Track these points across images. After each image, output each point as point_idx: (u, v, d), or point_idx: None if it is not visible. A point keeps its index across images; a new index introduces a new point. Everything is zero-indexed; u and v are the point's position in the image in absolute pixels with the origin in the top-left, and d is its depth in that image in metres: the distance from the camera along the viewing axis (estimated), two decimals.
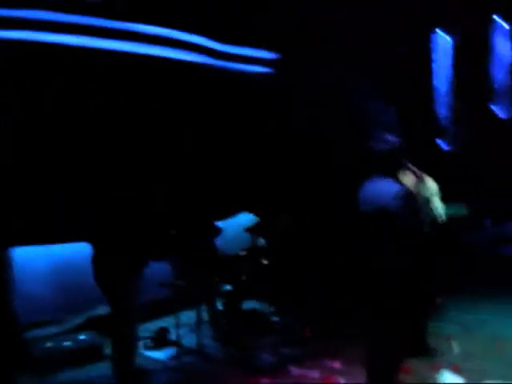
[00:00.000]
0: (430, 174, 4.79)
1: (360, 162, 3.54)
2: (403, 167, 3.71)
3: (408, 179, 3.85)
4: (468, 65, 9.23)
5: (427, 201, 4.59)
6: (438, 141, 9.67)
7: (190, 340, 5.17)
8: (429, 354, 4.73)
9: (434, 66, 9.63)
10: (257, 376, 4.46)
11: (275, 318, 5.61)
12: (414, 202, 3.45)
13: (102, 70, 5.52)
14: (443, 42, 9.46)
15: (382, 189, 3.35)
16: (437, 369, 4.41)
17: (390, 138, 3.45)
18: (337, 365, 4.58)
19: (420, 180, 4.25)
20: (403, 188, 3.37)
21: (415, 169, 4.11)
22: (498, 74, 9.03)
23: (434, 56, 9.57)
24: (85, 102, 5.43)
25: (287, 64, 7.48)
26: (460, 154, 9.30)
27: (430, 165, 8.76)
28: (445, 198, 5.45)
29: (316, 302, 5.76)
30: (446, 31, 9.36)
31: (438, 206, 4.74)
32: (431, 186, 4.75)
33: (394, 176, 3.43)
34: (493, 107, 9.21)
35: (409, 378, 4.09)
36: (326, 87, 6.93)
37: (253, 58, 7.48)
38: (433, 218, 4.64)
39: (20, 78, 5.02)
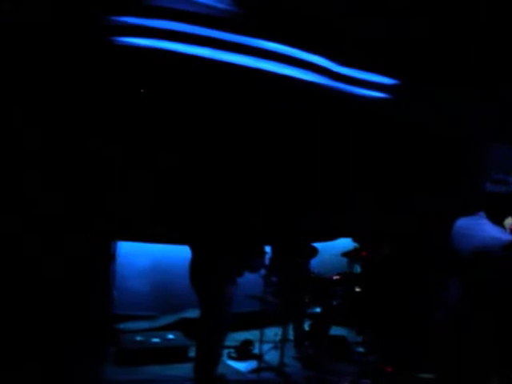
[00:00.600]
0: None
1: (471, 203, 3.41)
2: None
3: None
4: None
5: None
6: None
7: (272, 356, 5.17)
8: None
9: None
10: None
11: (360, 349, 5.48)
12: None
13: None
14: None
15: (489, 232, 3.17)
16: None
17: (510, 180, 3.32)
18: None
19: None
20: (506, 234, 3.17)
21: None
22: None
23: None
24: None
25: (405, 91, 7.31)
26: None
27: None
28: None
29: (402, 338, 5.55)
30: None
31: None
32: None
33: (499, 222, 3.25)
34: None
35: None
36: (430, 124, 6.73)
37: (371, 83, 7.40)
38: None
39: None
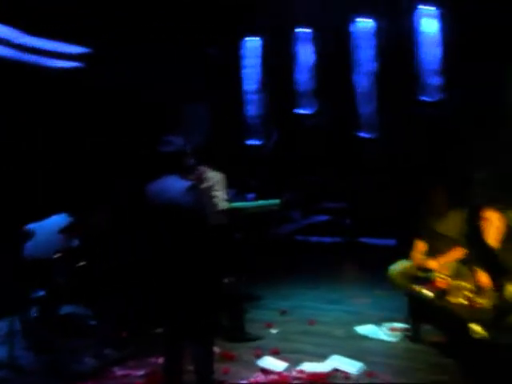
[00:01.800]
0: (241, 171, 5.07)
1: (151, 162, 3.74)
2: (190, 167, 3.86)
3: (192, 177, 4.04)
4: (275, 70, 9.82)
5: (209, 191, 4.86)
6: (250, 141, 10.12)
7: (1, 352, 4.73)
8: (250, 340, 4.93)
9: (245, 69, 10.08)
10: (79, 381, 4.24)
11: (92, 322, 5.37)
12: (197, 194, 3.68)
13: None
14: (253, 46, 9.93)
15: (168, 185, 3.63)
16: (258, 353, 4.59)
17: (176, 140, 3.72)
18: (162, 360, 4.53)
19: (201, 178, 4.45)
20: (187, 183, 3.63)
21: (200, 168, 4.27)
22: (302, 78, 9.73)
23: (244, 60, 10.01)
24: None
25: (96, 60, 7.23)
26: (271, 152, 9.84)
27: (241, 162, 9.19)
28: (262, 194, 5.71)
29: (133, 303, 5.63)
30: (256, 36, 9.86)
31: (220, 196, 4.98)
32: (214, 176, 4.99)
33: (180, 174, 3.70)
34: (298, 110, 9.89)
35: (233, 364, 4.20)
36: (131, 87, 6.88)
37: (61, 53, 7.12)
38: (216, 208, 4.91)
39: None
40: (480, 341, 3.90)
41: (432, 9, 8.70)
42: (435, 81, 8.80)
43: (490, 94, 7.61)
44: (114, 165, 6.81)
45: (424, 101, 8.85)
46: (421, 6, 8.70)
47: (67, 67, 7.16)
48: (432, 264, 4.77)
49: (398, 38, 8.71)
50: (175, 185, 3.62)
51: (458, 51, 8.28)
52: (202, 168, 4.41)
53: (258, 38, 9.83)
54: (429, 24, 8.66)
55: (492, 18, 7.48)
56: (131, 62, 7.04)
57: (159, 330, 5.26)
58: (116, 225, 5.80)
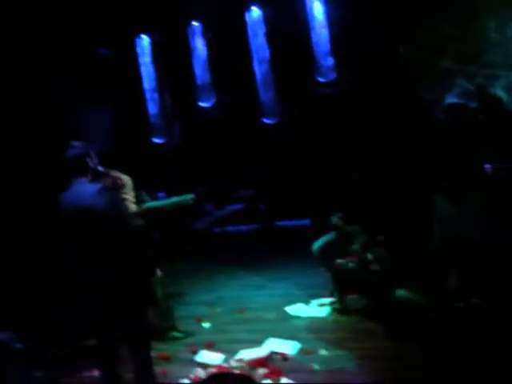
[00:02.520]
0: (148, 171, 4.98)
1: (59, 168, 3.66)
2: (97, 170, 3.79)
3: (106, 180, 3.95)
4: (171, 66, 9.73)
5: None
6: (155, 139, 9.99)
7: None
8: (183, 338, 4.90)
9: (142, 68, 9.91)
10: None
11: (18, 345, 5.12)
12: (109, 196, 3.67)
13: None
14: (147, 43, 9.79)
15: (79, 191, 3.59)
16: (194, 349, 4.58)
17: (76, 144, 3.70)
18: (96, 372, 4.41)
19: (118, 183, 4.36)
20: (98, 186, 3.62)
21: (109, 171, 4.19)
22: (199, 71, 9.70)
23: (141, 58, 9.84)
24: None
25: None
26: (176, 148, 9.76)
27: (148, 161, 9.06)
28: (175, 190, 5.67)
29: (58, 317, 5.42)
30: (148, 34, 9.70)
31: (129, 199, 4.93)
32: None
33: (89, 178, 3.68)
34: (199, 103, 9.86)
35: (171, 363, 4.17)
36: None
37: None
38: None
39: None
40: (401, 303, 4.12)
41: None
42: (328, 62, 9.07)
43: (378, 73, 8.00)
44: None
45: (319, 82, 9.10)
46: None
47: None
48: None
49: (289, 23, 8.87)
50: (85, 190, 3.57)
51: (344, 32, 8.59)
52: (115, 172, 4.29)
53: (148, 35, 9.68)
54: (317, 7, 8.90)
55: None
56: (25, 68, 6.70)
57: (90, 342, 5.15)
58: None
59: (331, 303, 5.20)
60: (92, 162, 3.72)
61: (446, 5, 7.65)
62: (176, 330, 5.00)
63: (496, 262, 3.73)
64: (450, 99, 8.04)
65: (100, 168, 3.86)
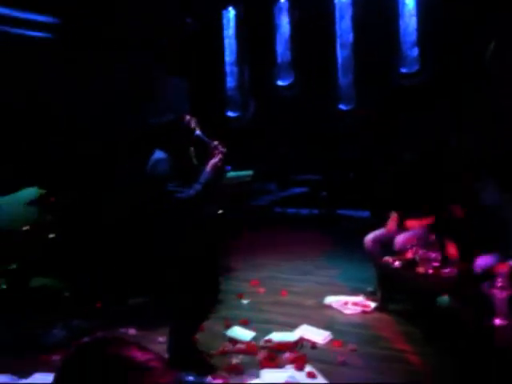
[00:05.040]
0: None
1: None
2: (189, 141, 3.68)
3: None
4: (253, 41, 9.70)
5: None
6: (228, 112, 10.05)
7: None
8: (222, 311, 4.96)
9: (225, 40, 9.95)
10: (48, 353, 4.24)
11: (66, 293, 5.37)
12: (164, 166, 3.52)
13: None
14: (232, 16, 9.81)
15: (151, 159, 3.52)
16: (228, 324, 4.62)
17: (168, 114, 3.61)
18: (132, 331, 4.56)
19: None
20: (161, 155, 3.51)
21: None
22: (281, 49, 9.63)
23: (225, 31, 9.88)
24: None
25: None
26: (249, 124, 9.78)
27: (222, 134, 9.14)
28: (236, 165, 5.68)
29: (106, 275, 5.63)
30: (235, 7, 9.71)
31: None
32: None
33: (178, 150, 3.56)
34: (277, 81, 9.82)
35: (203, 335, 4.24)
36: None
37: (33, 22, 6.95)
38: None
39: None
40: (445, 310, 3.96)
41: None
42: (413, 52, 8.75)
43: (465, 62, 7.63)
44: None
45: (401, 72, 8.81)
46: None
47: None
48: (402, 233, 4.83)
49: (378, 8, 8.61)
50: (152, 158, 3.54)
51: (434, 23, 8.24)
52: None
53: (235, 9, 9.69)
54: None
55: None
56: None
57: (132, 301, 5.34)
58: (84, 202, 5.77)
59: (373, 299, 5.07)
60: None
61: None
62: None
63: None
64: None
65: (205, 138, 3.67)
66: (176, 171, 3.46)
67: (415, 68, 8.69)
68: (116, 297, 5.40)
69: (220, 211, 5.03)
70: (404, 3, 8.62)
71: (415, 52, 8.62)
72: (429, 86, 8.36)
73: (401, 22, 8.67)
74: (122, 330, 4.59)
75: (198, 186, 3.46)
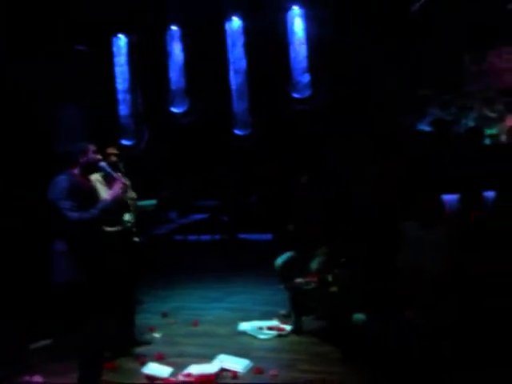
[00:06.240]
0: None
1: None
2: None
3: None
4: (147, 68, 9.58)
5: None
6: (123, 141, 9.80)
7: None
8: (133, 347, 4.73)
9: (116, 68, 9.73)
10: None
11: None
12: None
13: None
14: (124, 43, 9.63)
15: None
16: (142, 361, 4.41)
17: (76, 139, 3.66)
18: (37, 378, 4.22)
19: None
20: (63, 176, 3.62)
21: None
22: (175, 76, 9.57)
23: (116, 58, 9.67)
24: None
25: None
26: (145, 152, 9.59)
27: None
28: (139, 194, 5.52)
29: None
30: (126, 35, 9.54)
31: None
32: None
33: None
34: (171, 108, 9.73)
35: (117, 374, 4.00)
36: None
37: None
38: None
39: None
40: (361, 327, 4.03)
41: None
42: (304, 78, 9.05)
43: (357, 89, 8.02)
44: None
45: (294, 98, 9.08)
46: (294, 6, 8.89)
47: None
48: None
49: (269, 36, 8.84)
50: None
51: (322, 49, 8.60)
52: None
53: (126, 36, 9.52)
54: (297, 23, 8.88)
55: None
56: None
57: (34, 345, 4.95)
58: None
59: (286, 322, 5.09)
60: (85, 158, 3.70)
61: (425, 33, 7.74)
62: (132, 339, 4.83)
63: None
64: (422, 127, 8.12)
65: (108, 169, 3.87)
66: (75, 193, 3.56)
67: (307, 93, 8.99)
68: (14, 342, 4.98)
69: (136, 239, 4.85)
70: (293, 32, 8.92)
71: (307, 78, 8.93)
72: (321, 111, 8.69)
73: (291, 50, 8.95)
74: (26, 378, 4.24)
75: (94, 211, 3.61)
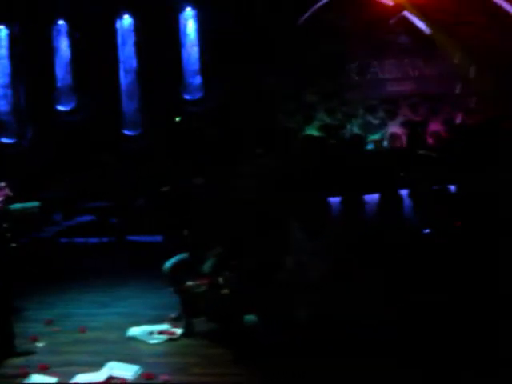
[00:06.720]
0: None
1: None
2: None
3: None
4: (31, 62, 9.16)
5: None
6: (2, 139, 9.29)
7: None
8: (14, 358, 4.48)
9: None
10: None
11: None
12: None
13: None
14: (5, 36, 9.12)
15: None
16: (24, 372, 4.18)
17: None
18: None
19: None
20: None
21: None
22: (61, 73, 9.21)
23: None
24: None
25: None
26: (29, 151, 9.16)
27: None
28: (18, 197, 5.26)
29: None
30: (7, 25, 9.05)
31: None
32: None
33: None
34: (57, 106, 9.36)
35: None
36: None
37: None
38: None
39: None
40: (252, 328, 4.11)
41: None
42: (196, 80, 9.08)
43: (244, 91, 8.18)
44: None
45: (186, 99, 9.08)
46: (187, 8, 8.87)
47: None
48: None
49: (161, 37, 8.77)
50: None
51: (213, 52, 8.68)
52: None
53: (7, 27, 9.01)
54: (190, 25, 8.89)
55: None
56: None
57: None
58: None
59: (177, 326, 5.05)
60: None
61: (313, 41, 8.06)
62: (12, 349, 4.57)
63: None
64: (310, 131, 8.44)
65: None
66: None
67: (198, 95, 9.02)
68: None
69: (13, 244, 4.60)
70: (185, 33, 8.91)
71: (198, 80, 8.95)
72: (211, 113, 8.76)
73: (183, 52, 8.94)
74: None
75: None
